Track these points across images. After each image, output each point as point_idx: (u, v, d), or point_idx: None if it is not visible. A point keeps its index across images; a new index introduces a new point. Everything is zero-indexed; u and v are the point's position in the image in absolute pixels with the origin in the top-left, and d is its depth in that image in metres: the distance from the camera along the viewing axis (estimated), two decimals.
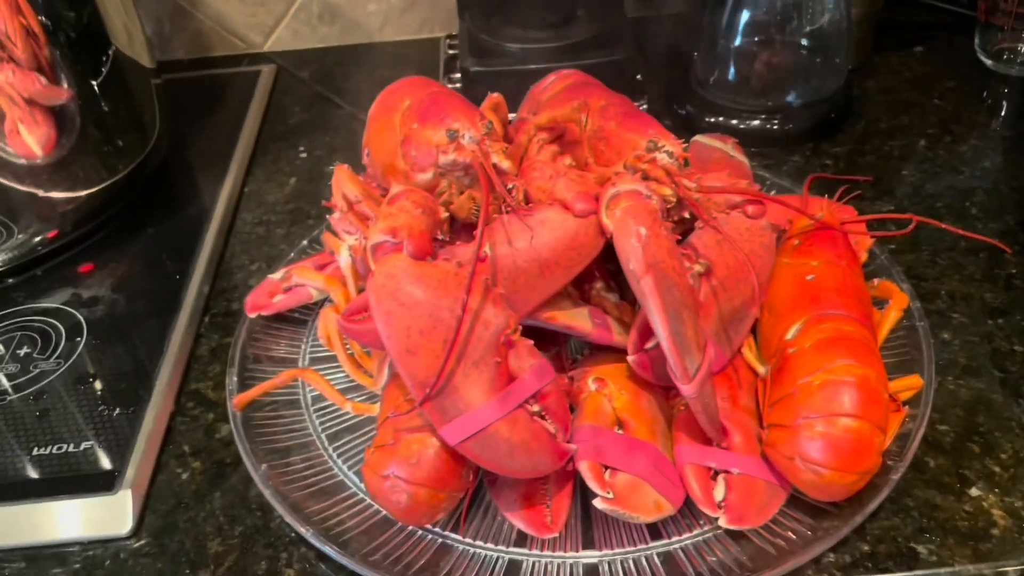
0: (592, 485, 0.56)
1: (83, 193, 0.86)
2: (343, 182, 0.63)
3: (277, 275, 0.74)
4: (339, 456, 0.65)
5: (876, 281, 0.71)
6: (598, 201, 0.58)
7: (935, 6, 1.13)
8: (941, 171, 0.89)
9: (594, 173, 0.64)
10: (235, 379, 0.69)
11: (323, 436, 0.66)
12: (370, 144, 0.68)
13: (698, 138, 0.83)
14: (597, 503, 0.55)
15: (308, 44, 1.20)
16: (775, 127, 0.95)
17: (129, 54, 0.90)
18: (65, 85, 0.82)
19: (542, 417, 0.56)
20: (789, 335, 0.61)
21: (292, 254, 0.80)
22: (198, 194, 0.94)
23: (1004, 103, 0.99)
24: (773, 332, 0.63)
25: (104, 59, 0.86)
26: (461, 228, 0.63)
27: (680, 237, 0.63)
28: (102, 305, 0.80)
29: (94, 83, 0.85)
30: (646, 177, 0.61)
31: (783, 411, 0.57)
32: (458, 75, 1.03)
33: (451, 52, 1.11)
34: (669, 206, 0.60)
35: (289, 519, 0.59)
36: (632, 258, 0.55)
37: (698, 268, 0.60)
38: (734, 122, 0.95)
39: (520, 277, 0.57)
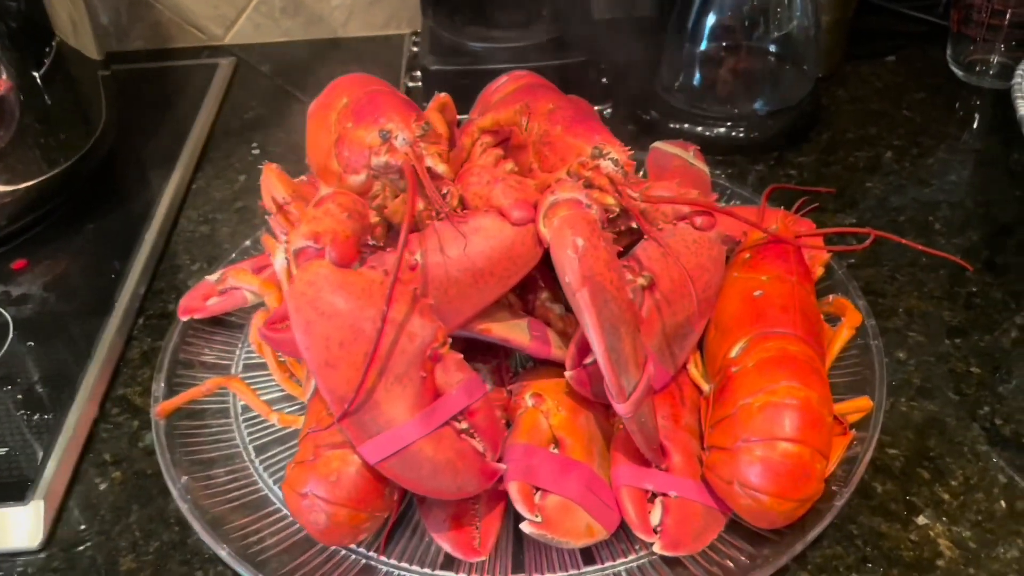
0: (520, 508, 0.53)
1: (21, 186, 0.82)
2: (271, 183, 0.60)
3: (213, 277, 0.71)
4: (265, 469, 0.62)
5: (831, 297, 0.69)
6: (537, 209, 0.55)
7: (908, 15, 1.11)
8: (907, 184, 0.87)
9: (537, 179, 0.62)
10: (162, 385, 0.66)
11: (250, 447, 0.63)
12: (308, 144, 0.65)
13: (657, 145, 0.81)
14: (524, 527, 0.53)
15: (270, 38, 1.17)
16: (740, 135, 0.93)
17: (74, 45, 0.87)
18: (4, 76, 0.79)
19: (471, 435, 0.53)
20: (733, 353, 0.58)
21: (234, 255, 0.77)
22: (144, 189, 0.91)
23: (974, 115, 0.97)
24: (719, 349, 0.60)
25: (47, 50, 0.83)
26: (397, 234, 0.60)
27: (623, 248, 0.61)
28: (32, 304, 0.76)
29: (36, 74, 0.82)
30: (589, 185, 0.59)
31: (723, 433, 0.55)
32: (419, 72, 1.00)
33: (415, 49, 1.09)
34: (612, 216, 0.58)
35: (205, 536, 0.56)
36: (568, 270, 0.52)
37: (641, 281, 0.58)
38: (699, 129, 0.93)
39: (452, 287, 0.55)
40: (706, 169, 0.79)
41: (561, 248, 0.53)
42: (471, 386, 0.53)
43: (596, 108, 0.96)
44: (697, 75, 0.94)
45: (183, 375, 0.68)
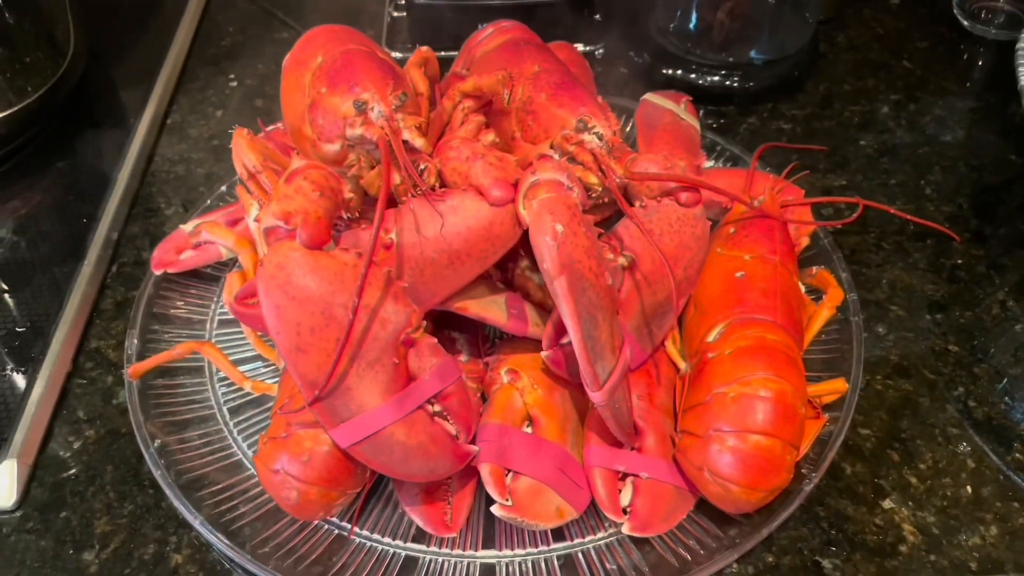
0: (491, 491, 0.53)
1: None
2: (241, 149, 0.58)
3: (188, 227, 0.70)
4: (239, 432, 0.62)
5: (815, 269, 0.68)
6: (516, 188, 0.53)
7: None
8: (900, 143, 0.85)
9: (519, 151, 0.60)
10: (136, 342, 0.65)
11: (225, 409, 0.63)
12: (282, 101, 0.63)
13: (648, 97, 0.78)
14: (495, 510, 0.53)
15: None
16: (734, 84, 0.90)
17: None
18: None
19: (444, 418, 0.53)
20: (711, 337, 0.58)
21: (209, 200, 0.75)
22: (116, 125, 0.88)
23: (976, 68, 0.94)
24: (697, 330, 0.60)
25: None
26: (372, 204, 0.58)
27: (606, 218, 0.60)
28: (0, 248, 0.75)
29: None
30: (572, 160, 0.57)
31: (697, 419, 0.55)
32: (404, 2, 0.96)
33: None
34: (594, 195, 0.57)
35: (178, 504, 0.56)
36: (546, 257, 0.51)
37: (622, 261, 0.57)
38: (692, 76, 0.90)
39: (428, 268, 0.53)
40: (696, 124, 0.76)
41: (540, 234, 0.51)
42: (444, 370, 0.52)
43: (587, 48, 0.93)
44: (694, 17, 0.91)
45: (157, 330, 0.67)
